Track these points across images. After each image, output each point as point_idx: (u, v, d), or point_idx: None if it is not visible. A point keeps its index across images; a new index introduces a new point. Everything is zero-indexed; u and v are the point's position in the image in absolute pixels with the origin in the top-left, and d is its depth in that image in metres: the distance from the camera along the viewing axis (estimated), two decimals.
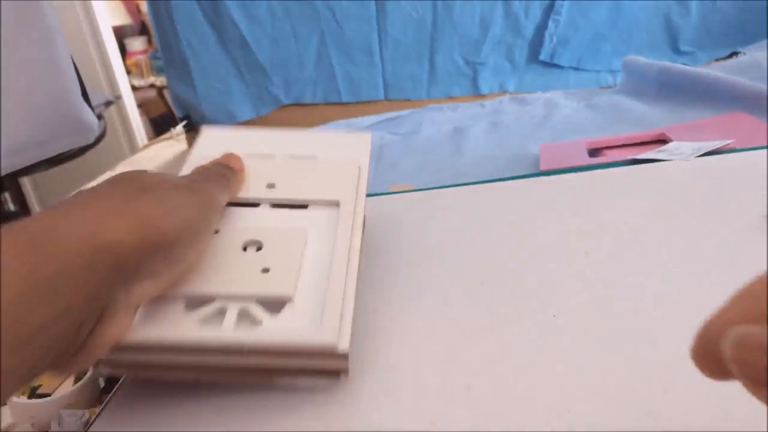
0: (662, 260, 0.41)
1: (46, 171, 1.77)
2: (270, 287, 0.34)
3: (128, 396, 0.39)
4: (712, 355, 0.17)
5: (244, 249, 0.37)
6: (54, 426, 0.39)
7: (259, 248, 0.37)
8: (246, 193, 0.42)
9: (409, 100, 1.22)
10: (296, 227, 0.40)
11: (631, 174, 0.57)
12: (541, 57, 1.19)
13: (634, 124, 0.86)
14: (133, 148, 2.10)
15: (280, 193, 0.42)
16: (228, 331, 0.33)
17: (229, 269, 0.35)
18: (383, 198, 0.62)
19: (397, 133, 1.03)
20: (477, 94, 1.21)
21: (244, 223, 0.39)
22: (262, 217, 0.41)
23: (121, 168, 1.16)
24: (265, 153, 0.49)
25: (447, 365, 0.32)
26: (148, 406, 0.38)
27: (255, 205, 0.41)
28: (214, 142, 0.52)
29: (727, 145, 0.59)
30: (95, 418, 0.38)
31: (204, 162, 0.46)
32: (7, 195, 1.97)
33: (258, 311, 0.34)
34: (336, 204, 0.42)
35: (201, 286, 0.34)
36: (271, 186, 0.43)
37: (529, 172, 0.69)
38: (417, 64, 1.20)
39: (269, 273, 0.35)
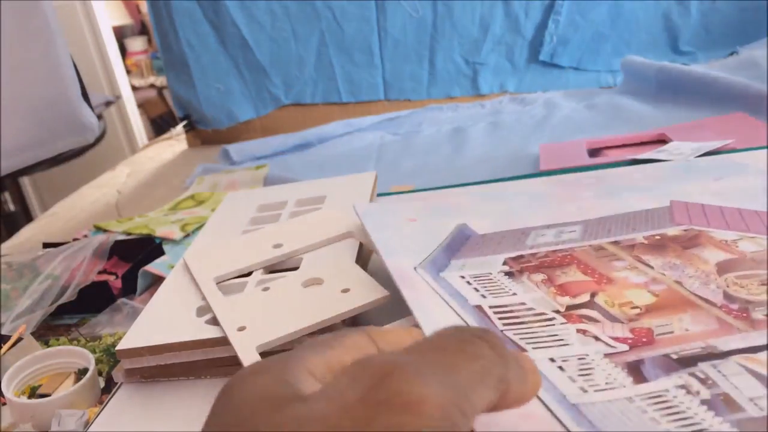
0: None
1: (46, 171, 1.77)
2: (366, 298, 0.37)
3: (128, 396, 0.39)
4: None
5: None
6: (54, 426, 0.39)
7: (319, 283, 0.40)
8: (259, 258, 0.45)
9: (409, 100, 1.22)
10: (340, 253, 0.44)
11: (631, 174, 0.57)
12: (541, 57, 1.19)
13: (634, 124, 0.86)
14: (133, 148, 2.10)
15: (288, 248, 0.46)
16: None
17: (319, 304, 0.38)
18: (383, 198, 0.62)
19: (397, 133, 1.03)
20: (477, 94, 1.21)
21: (290, 277, 0.42)
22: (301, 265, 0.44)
23: (121, 168, 1.16)
24: (280, 201, 0.56)
25: None
26: (147, 406, 0.38)
27: (295, 269, 0.44)
28: (236, 205, 0.57)
29: (727, 145, 0.59)
30: (95, 418, 0.38)
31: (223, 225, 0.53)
32: (7, 195, 1.98)
33: None
34: (346, 234, 0.46)
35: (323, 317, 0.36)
36: (278, 246, 0.47)
37: (529, 172, 0.69)
38: (417, 64, 1.20)
39: (350, 291, 0.38)
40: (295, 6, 1.14)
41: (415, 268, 0.35)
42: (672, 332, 0.27)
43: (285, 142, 1.04)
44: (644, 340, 0.27)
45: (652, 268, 0.33)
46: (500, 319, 0.30)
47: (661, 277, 0.32)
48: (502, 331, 0.29)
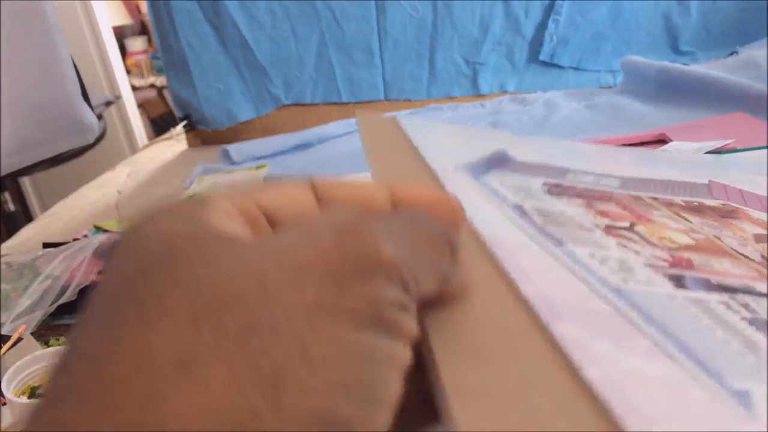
0: None
1: (46, 171, 1.77)
2: None
3: None
4: None
5: None
6: None
7: None
8: None
9: (409, 100, 1.22)
10: None
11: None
12: (541, 57, 1.19)
13: (634, 124, 0.86)
14: (133, 148, 2.10)
15: None
16: None
17: None
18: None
19: None
20: (477, 94, 1.21)
21: None
22: None
23: (121, 168, 1.16)
24: None
25: None
26: None
27: None
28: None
29: (727, 145, 0.60)
30: None
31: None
32: (7, 195, 1.98)
33: None
34: None
35: None
36: None
37: None
38: (417, 64, 1.20)
39: None
40: (295, 6, 1.14)
41: (455, 169, 0.35)
42: (712, 266, 0.27)
43: (285, 142, 1.05)
44: (684, 264, 0.27)
45: (690, 222, 0.33)
46: (540, 216, 0.30)
47: (700, 230, 0.32)
48: (540, 226, 0.29)
